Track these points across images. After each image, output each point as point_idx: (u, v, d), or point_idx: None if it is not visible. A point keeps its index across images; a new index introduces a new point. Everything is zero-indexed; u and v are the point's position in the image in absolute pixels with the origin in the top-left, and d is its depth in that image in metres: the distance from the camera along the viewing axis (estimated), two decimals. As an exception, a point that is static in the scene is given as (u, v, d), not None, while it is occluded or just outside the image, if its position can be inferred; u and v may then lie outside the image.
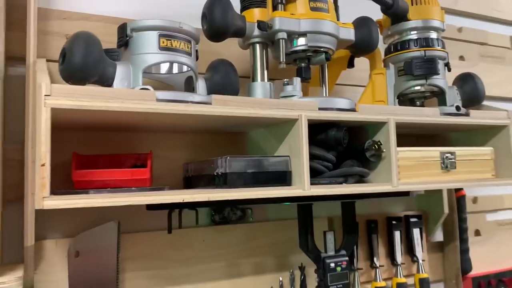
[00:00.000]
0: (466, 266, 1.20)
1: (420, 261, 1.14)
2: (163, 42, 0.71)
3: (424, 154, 0.89)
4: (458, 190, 1.20)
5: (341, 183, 0.80)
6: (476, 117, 0.95)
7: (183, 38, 0.73)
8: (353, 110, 0.82)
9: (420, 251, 1.15)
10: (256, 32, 0.83)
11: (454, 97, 0.97)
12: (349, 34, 0.89)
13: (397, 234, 1.13)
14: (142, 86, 0.67)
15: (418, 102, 1.00)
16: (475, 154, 0.96)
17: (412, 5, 0.97)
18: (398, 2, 0.94)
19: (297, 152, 0.75)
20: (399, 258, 1.12)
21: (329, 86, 1.03)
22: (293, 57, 0.88)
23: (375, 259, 1.09)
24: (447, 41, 1.32)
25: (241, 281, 0.95)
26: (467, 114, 0.94)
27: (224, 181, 0.72)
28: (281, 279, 0.98)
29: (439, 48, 0.96)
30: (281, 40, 0.81)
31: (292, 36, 0.83)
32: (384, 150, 0.84)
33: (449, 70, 0.98)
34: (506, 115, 0.99)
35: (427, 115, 0.89)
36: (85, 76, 0.66)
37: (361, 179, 0.85)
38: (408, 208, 1.22)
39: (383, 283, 1.07)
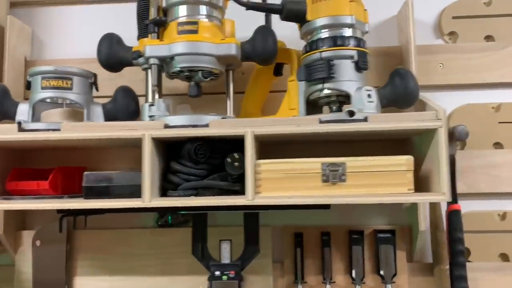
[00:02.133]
0: (458, 296, 0.98)
1: (388, 283, 1.01)
2: (44, 83, 0.91)
3: (298, 166, 0.83)
4: (450, 203, 1.00)
5: (190, 195, 0.84)
6: (376, 122, 0.81)
7: (61, 77, 0.91)
8: (205, 126, 0.85)
9: (389, 272, 1.01)
10: (142, 59, 0.94)
11: (360, 100, 0.85)
12: (229, 49, 0.90)
13: (356, 249, 1.03)
14: (19, 120, 0.89)
15: (334, 107, 0.91)
16: (385, 164, 0.82)
17: (313, 3, 0.89)
18: (287, 6, 0.89)
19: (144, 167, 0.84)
20: (357, 276, 1.02)
21: (261, 97, 1.04)
22: (179, 78, 0.95)
23: (325, 274, 1.03)
24: (472, 20, 1.11)
25: (175, 278, 1.06)
26: (364, 119, 0.82)
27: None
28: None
29: (345, 47, 0.87)
30: (152, 65, 0.91)
31: (166, 60, 0.91)
32: (236, 163, 0.83)
33: (359, 69, 0.87)
34: (435, 116, 0.81)
35: (300, 123, 0.83)
36: (-10, 116, 0.92)
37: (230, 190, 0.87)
38: (396, 222, 1.08)
39: (330, 300, 1.01)
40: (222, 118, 0.87)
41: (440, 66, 1.09)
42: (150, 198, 0.83)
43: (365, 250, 1.04)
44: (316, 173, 0.83)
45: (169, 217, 1.09)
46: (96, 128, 0.86)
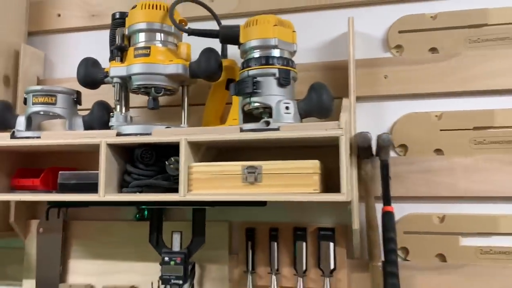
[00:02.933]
0: (389, 291, 1.06)
1: (327, 277, 1.11)
2: (34, 100, 1.13)
3: (223, 168, 0.97)
4: (384, 205, 1.08)
5: (136, 192, 1.01)
6: (286, 131, 0.93)
7: (47, 95, 1.13)
8: (149, 134, 1.01)
9: (328, 266, 1.12)
10: (109, 79, 1.12)
11: (278, 112, 0.97)
12: (176, 69, 1.06)
13: (300, 245, 1.14)
14: (17, 129, 1.12)
15: (264, 117, 1.04)
16: (294, 167, 0.94)
17: (245, 28, 1.03)
18: (221, 31, 1.04)
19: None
20: (299, 268, 1.13)
21: (218, 108, 1.19)
22: (140, 93, 1.12)
23: (272, 265, 1.15)
24: (418, 34, 1.19)
25: (148, 264, 1.24)
26: (277, 129, 0.94)
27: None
28: (175, 268, 1.21)
29: (269, 65, 0.99)
30: (115, 84, 1.09)
31: (127, 79, 1.09)
32: (171, 165, 0.99)
33: (281, 85, 0.99)
34: (337, 125, 0.91)
35: (223, 132, 0.97)
36: (-6, 126, 1.16)
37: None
38: (341, 221, 1.17)
39: (274, 289, 1.13)
40: (166, 127, 1.04)
41: (385, 77, 1.17)
42: (104, 194, 1.01)
43: (308, 245, 1.15)
44: (237, 174, 0.96)
45: (145, 212, 1.27)
46: (66, 136, 1.06)
